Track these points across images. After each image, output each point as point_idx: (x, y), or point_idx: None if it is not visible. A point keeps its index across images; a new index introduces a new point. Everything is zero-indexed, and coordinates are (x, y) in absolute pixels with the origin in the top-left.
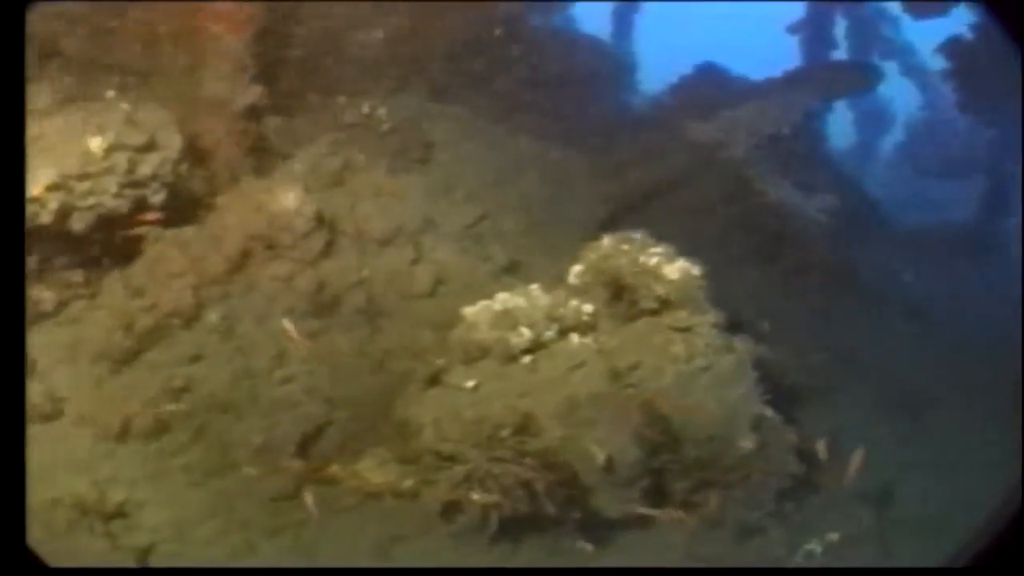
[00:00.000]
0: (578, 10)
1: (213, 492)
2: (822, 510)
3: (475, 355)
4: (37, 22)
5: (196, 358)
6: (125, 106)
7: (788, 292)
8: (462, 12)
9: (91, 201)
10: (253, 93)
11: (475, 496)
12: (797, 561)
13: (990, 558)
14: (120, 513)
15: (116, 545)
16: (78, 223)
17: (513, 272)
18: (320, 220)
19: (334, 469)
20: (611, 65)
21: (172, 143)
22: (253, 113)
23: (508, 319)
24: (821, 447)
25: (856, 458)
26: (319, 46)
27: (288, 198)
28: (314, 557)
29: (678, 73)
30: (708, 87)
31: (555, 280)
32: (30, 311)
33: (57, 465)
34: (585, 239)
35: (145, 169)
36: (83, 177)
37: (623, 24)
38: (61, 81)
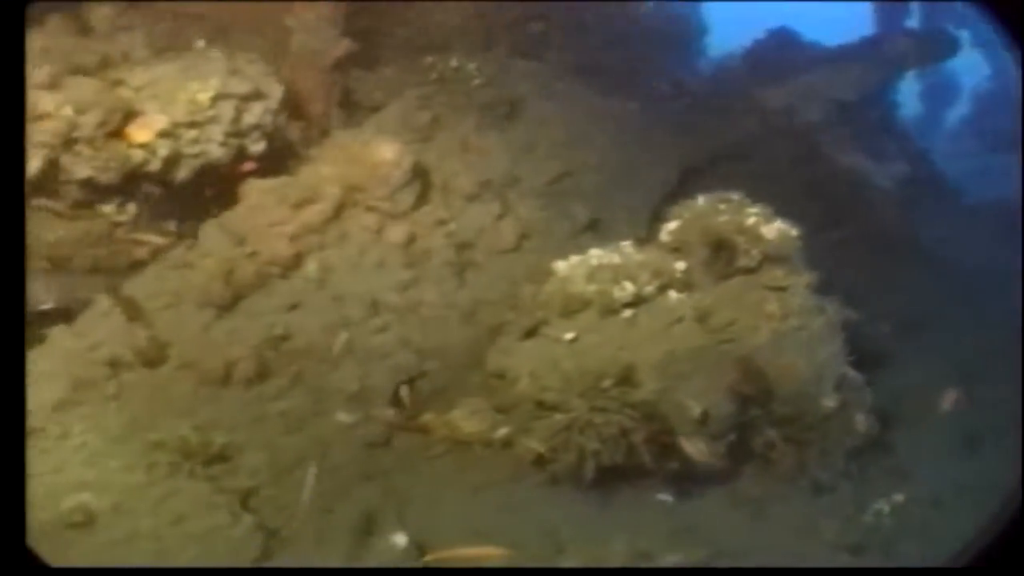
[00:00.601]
0: None
1: (309, 438)
2: (890, 471)
3: (574, 308)
4: None
5: (293, 306)
6: (218, 54)
7: (855, 259)
8: None
9: (196, 149)
10: (342, 46)
11: (574, 444)
12: (867, 520)
13: (990, 558)
14: (222, 456)
15: (218, 488)
16: (183, 171)
17: (592, 229)
18: (416, 173)
19: (427, 417)
20: (683, 28)
21: (274, 93)
22: (341, 66)
23: (610, 273)
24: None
25: (950, 395)
26: (401, 2)
27: (387, 150)
28: (405, 502)
29: (750, 37)
30: (780, 52)
31: (636, 237)
32: (132, 257)
33: (160, 409)
34: (660, 199)
35: (249, 118)
36: (191, 125)
37: None
38: (151, 32)
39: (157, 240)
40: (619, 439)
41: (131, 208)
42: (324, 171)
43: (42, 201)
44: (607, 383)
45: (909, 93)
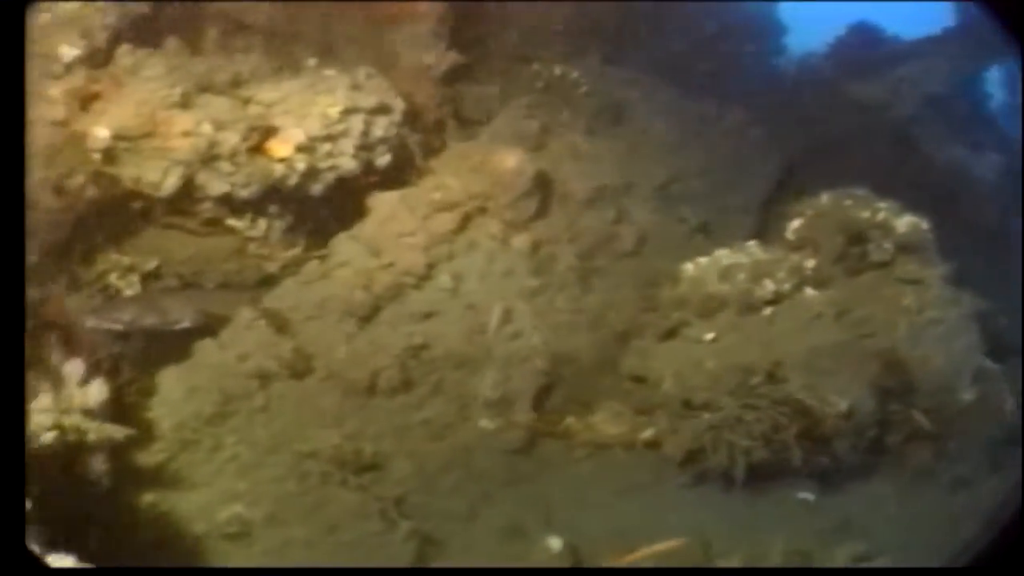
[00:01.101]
0: None
1: (452, 445)
2: None
3: (712, 308)
4: None
5: (429, 315)
6: (333, 71)
7: (965, 251)
8: None
9: (330, 163)
10: (450, 59)
11: (724, 442)
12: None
13: (990, 558)
14: (373, 466)
15: (371, 496)
16: (318, 185)
17: (703, 231)
18: (538, 181)
19: (569, 422)
20: (763, 27)
21: (397, 106)
22: (448, 79)
23: (745, 273)
24: (1011, 408)
25: None
26: (496, 13)
27: (510, 159)
28: (551, 506)
29: (828, 35)
30: (864, 47)
31: (748, 237)
32: (263, 271)
33: (308, 420)
34: (766, 199)
35: (376, 131)
36: (326, 139)
37: None
38: (261, 52)
39: (291, 254)
40: (771, 436)
41: (262, 223)
42: (448, 181)
43: (174, 219)
44: (756, 380)
45: (992, 82)
